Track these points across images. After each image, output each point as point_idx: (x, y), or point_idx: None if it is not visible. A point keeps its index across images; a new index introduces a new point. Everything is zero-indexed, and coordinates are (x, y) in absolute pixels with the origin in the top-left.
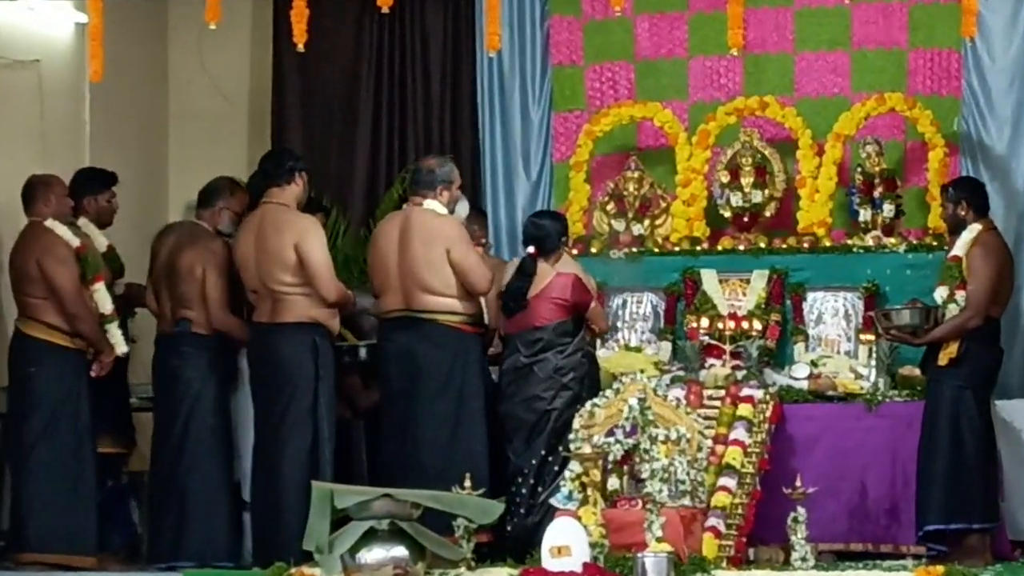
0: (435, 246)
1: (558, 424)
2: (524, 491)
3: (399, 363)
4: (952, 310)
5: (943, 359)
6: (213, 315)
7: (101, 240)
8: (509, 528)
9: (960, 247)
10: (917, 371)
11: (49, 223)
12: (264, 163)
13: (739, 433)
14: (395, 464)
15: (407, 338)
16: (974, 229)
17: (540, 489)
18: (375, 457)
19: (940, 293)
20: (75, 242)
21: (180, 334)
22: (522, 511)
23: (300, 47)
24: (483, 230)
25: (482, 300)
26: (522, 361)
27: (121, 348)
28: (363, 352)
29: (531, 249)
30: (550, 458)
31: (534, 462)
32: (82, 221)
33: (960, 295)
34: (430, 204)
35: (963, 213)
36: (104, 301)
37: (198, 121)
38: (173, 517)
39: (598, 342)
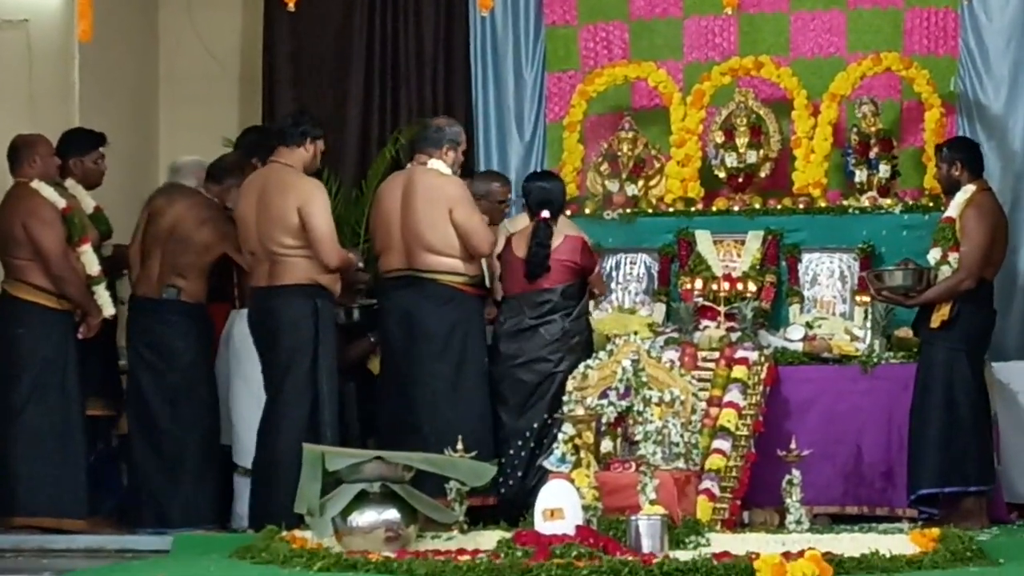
0: (438, 206)
1: (562, 388)
2: (523, 454)
3: (399, 322)
4: (945, 271)
5: (935, 321)
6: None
7: (88, 201)
8: (503, 491)
9: (954, 208)
10: (912, 333)
11: (35, 184)
12: (282, 120)
13: (733, 395)
14: (394, 424)
15: (408, 297)
16: (968, 190)
17: (538, 452)
18: (371, 417)
19: (933, 254)
20: (61, 203)
21: (167, 301)
22: (519, 474)
23: (291, 7)
24: (505, 187)
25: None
26: (528, 323)
27: (108, 310)
28: (356, 313)
29: (545, 214)
30: (550, 421)
31: (536, 425)
32: (69, 182)
33: (953, 256)
34: (434, 163)
35: (957, 174)
36: (91, 263)
37: (188, 82)
38: (157, 483)
39: (591, 305)
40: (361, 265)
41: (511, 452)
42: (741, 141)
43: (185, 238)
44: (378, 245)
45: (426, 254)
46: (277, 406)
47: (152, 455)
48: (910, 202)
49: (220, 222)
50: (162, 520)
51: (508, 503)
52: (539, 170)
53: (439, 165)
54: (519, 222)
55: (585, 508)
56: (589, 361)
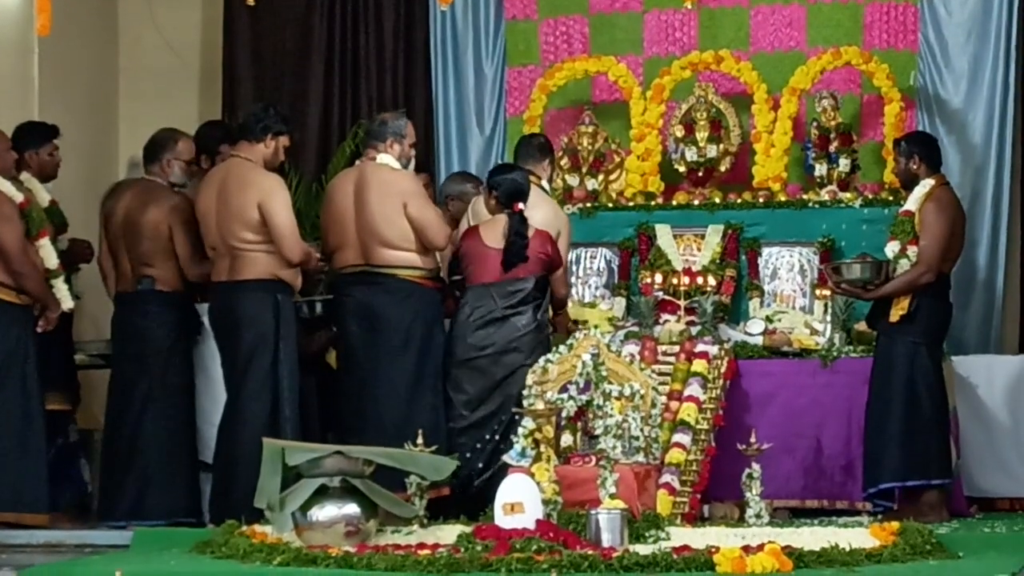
0: (391, 200)
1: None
2: (479, 446)
3: (357, 318)
4: (903, 265)
5: (895, 315)
6: (187, 270)
7: (43, 195)
8: (455, 482)
9: (913, 202)
10: (867, 327)
11: None
12: (247, 114)
13: (693, 389)
14: (354, 420)
15: (365, 293)
16: (927, 184)
17: (503, 447)
18: (331, 412)
19: (892, 248)
20: (19, 198)
21: (143, 292)
22: (480, 465)
23: (250, 2)
24: (478, 188)
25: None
26: (499, 312)
27: (67, 303)
28: (319, 307)
29: (520, 206)
30: (517, 416)
31: (503, 418)
32: (24, 176)
33: (912, 250)
34: (383, 158)
35: (915, 168)
36: (49, 256)
37: (148, 76)
38: (135, 475)
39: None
40: (318, 255)
41: (465, 443)
42: (701, 135)
43: (136, 225)
44: (332, 242)
45: (383, 249)
46: (238, 401)
47: (127, 447)
48: (870, 196)
49: (162, 202)
50: (136, 513)
51: (467, 496)
52: (504, 163)
53: (388, 160)
54: (481, 214)
55: (545, 502)
56: (549, 355)
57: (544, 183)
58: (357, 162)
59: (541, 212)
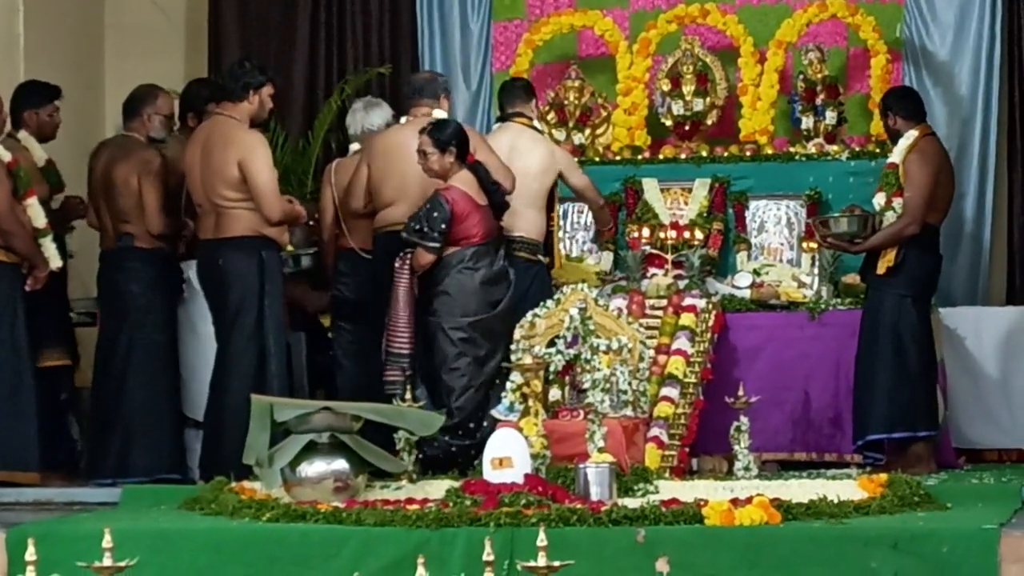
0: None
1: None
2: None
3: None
4: (889, 217)
5: (881, 267)
6: (150, 223)
7: (40, 154)
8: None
9: (897, 154)
10: (859, 279)
11: None
12: (224, 74)
13: (681, 343)
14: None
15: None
16: (911, 136)
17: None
18: (321, 368)
19: (878, 200)
20: (6, 157)
21: (122, 249)
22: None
23: None
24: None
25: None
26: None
27: (56, 262)
28: (305, 260)
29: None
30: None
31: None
32: (22, 134)
33: (897, 202)
34: (438, 114)
35: (893, 124)
36: (37, 215)
37: (134, 34)
38: (119, 433)
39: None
40: (303, 212)
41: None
42: (688, 89)
43: (111, 182)
44: (386, 197)
45: None
46: (225, 357)
47: (112, 403)
48: (856, 149)
49: (133, 156)
50: (121, 470)
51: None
52: (437, 120)
53: (443, 115)
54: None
55: (533, 456)
56: (537, 310)
57: (536, 123)
58: (404, 119)
59: (538, 153)
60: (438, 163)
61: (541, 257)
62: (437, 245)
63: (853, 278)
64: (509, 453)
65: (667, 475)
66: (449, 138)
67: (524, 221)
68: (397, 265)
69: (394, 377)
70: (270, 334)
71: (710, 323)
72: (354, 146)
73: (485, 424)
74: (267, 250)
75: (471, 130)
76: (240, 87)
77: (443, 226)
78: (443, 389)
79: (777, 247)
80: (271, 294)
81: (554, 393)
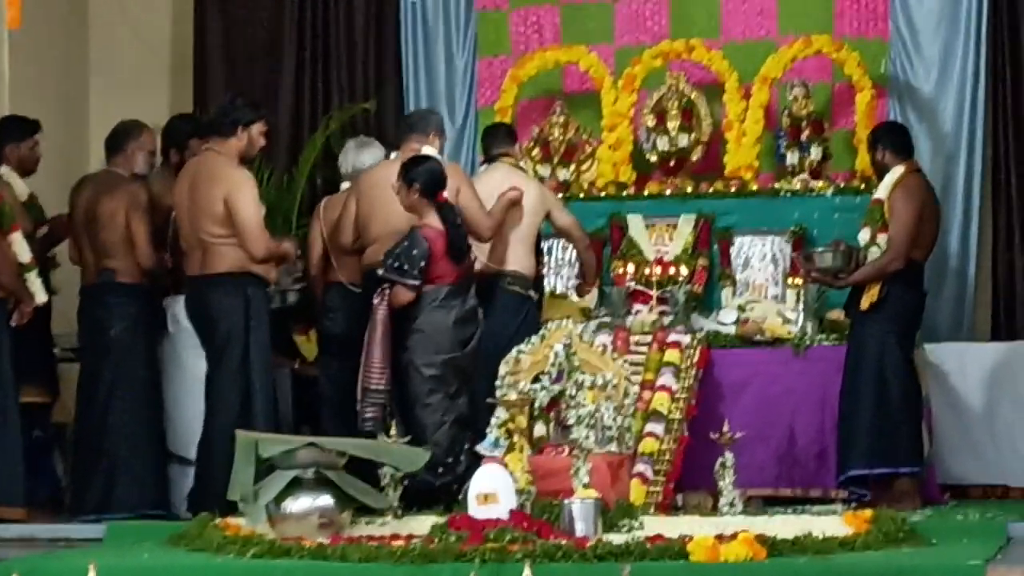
0: (448, 190)
1: None
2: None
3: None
4: (874, 252)
5: (865, 303)
6: (141, 257)
7: (22, 188)
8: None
9: (883, 189)
10: (844, 315)
11: None
12: (214, 110)
13: (666, 379)
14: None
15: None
16: (897, 171)
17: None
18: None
19: (863, 235)
20: None
21: (104, 284)
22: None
23: None
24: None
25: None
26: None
27: (41, 297)
28: (291, 296)
29: (445, 195)
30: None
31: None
32: (4, 169)
33: (882, 238)
34: (427, 150)
35: (881, 158)
36: (22, 250)
37: (119, 68)
38: (102, 469)
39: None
40: (298, 253)
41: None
42: (673, 125)
43: (95, 216)
44: (373, 233)
45: None
46: (212, 392)
47: (95, 439)
48: (842, 184)
49: (119, 190)
50: (104, 506)
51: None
52: (417, 155)
53: (431, 152)
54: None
55: (519, 492)
56: (522, 346)
57: (522, 163)
58: (393, 154)
59: (530, 192)
60: (404, 198)
61: (532, 293)
62: (417, 282)
63: (838, 314)
64: (494, 489)
65: (652, 511)
66: (416, 175)
67: (516, 256)
68: (375, 302)
69: (371, 414)
70: (255, 370)
71: (695, 359)
72: (345, 184)
73: (463, 459)
74: (253, 286)
75: (458, 172)
76: (229, 123)
77: (422, 263)
78: (417, 426)
79: (762, 283)
80: (256, 330)
81: (539, 429)
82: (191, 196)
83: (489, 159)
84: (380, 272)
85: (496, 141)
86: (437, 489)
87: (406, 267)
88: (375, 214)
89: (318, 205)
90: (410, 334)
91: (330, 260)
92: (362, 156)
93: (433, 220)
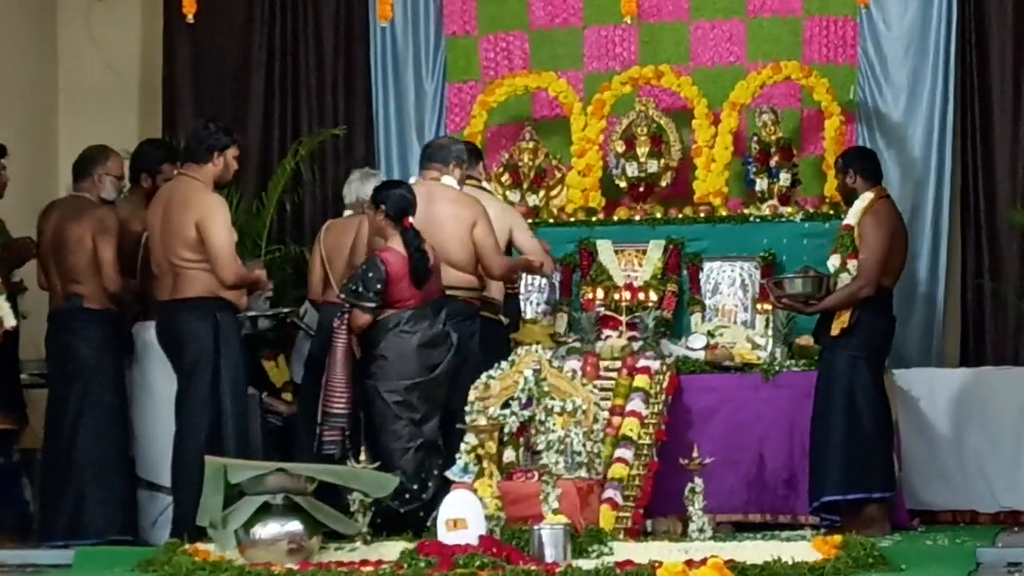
0: (464, 223)
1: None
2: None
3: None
4: (844, 279)
5: (835, 329)
6: (108, 281)
7: None
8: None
9: (852, 215)
10: (813, 341)
11: None
12: (188, 136)
13: (636, 404)
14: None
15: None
16: (866, 198)
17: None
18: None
19: (833, 262)
20: None
21: (72, 310)
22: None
23: (190, 18)
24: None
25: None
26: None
27: (9, 322)
28: (263, 322)
29: (410, 220)
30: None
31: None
32: None
33: (852, 264)
34: (447, 180)
35: (852, 182)
36: None
37: (88, 94)
38: (69, 495)
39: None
40: (270, 286)
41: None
42: (642, 150)
43: (62, 241)
44: None
45: (447, 270)
46: (181, 418)
47: (63, 465)
48: (811, 210)
49: (85, 215)
50: (73, 532)
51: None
52: (388, 179)
53: (451, 182)
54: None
55: (488, 518)
56: (491, 371)
57: (485, 184)
58: (414, 178)
59: (494, 212)
60: (371, 220)
61: (502, 317)
62: (373, 305)
63: (807, 340)
64: (463, 514)
65: (621, 536)
66: (385, 198)
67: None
68: (335, 325)
69: (331, 437)
70: (226, 396)
71: (664, 384)
72: (347, 212)
73: (431, 485)
74: (222, 311)
75: (476, 205)
76: (204, 149)
77: (378, 286)
78: (383, 453)
79: (731, 308)
80: (226, 355)
81: (508, 454)
82: (164, 220)
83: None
84: (339, 295)
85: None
86: (403, 516)
87: (362, 290)
88: None
89: (319, 230)
90: (373, 360)
91: (329, 283)
92: (366, 187)
93: (397, 244)
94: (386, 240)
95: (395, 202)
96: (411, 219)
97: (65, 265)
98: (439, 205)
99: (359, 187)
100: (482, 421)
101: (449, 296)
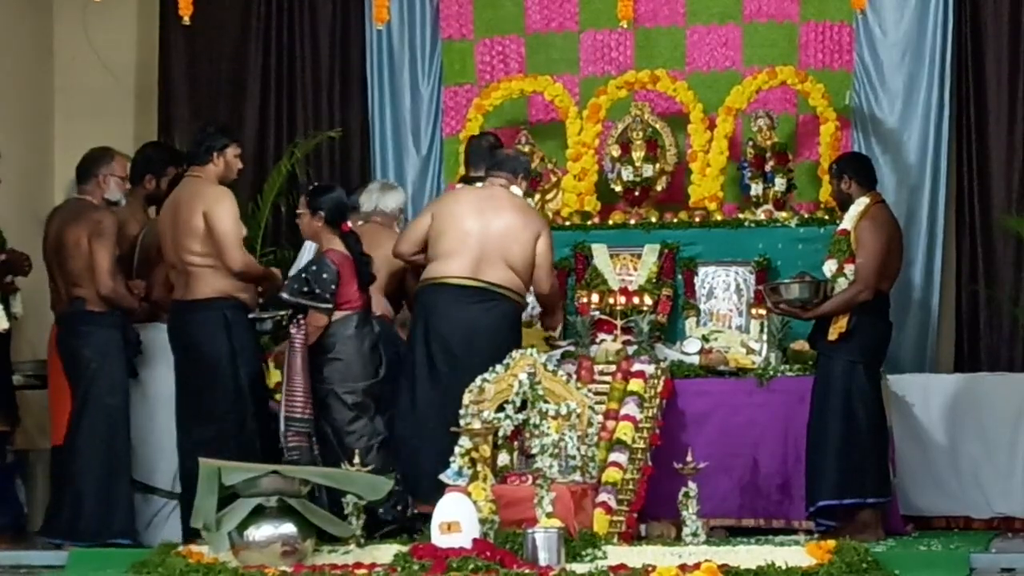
0: (527, 232)
1: None
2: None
3: (459, 333)
4: (841, 284)
5: (833, 334)
6: (99, 284)
7: None
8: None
9: (849, 220)
10: (808, 345)
11: None
12: (189, 141)
13: (630, 408)
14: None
15: (470, 309)
16: (862, 203)
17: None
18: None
19: (829, 267)
20: None
21: (74, 313)
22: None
23: (186, 20)
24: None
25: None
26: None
27: (2, 324)
28: (268, 323)
29: (348, 224)
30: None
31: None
32: None
33: (849, 269)
34: (515, 190)
35: (847, 188)
36: None
37: (84, 96)
38: (70, 496)
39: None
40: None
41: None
42: (637, 155)
43: (63, 244)
44: (442, 248)
45: (504, 268)
46: (200, 422)
47: (65, 466)
48: (806, 215)
49: (83, 218)
50: (72, 533)
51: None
52: (321, 183)
53: (518, 192)
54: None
55: (482, 521)
56: (486, 375)
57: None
58: (478, 184)
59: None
60: (307, 224)
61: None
62: (330, 306)
63: (801, 344)
64: (457, 518)
65: (615, 540)
66: (322, 203)
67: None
68: (293, 331)
69: (296, 442)
70: (247, 396)
71: (659, 389)
72: (359, 223)
73: (395, 477)
74: (232, 310)
75: (539, 221)
76: (204, 151)
77: (333, 287)
78: (345, 454)
79: (726, 313)
80: (243, 354)
81: (503, 458)
82: (173, 219)
83: (472, 179)
84: (285, 296)
85: (473, 160)
86: (392, 521)
87: (317, 291)
88: (446, 231)
89: None
90: (327, 363)
91: None
92: (386, 199)
93: (338, 246)
94: (322, 245)
95: (332, 207)
96: (349, 223)
97: (66, 268)
98: (507, 209)
99: (379, 198)
100: (476, 424)
101: (498, 294)
